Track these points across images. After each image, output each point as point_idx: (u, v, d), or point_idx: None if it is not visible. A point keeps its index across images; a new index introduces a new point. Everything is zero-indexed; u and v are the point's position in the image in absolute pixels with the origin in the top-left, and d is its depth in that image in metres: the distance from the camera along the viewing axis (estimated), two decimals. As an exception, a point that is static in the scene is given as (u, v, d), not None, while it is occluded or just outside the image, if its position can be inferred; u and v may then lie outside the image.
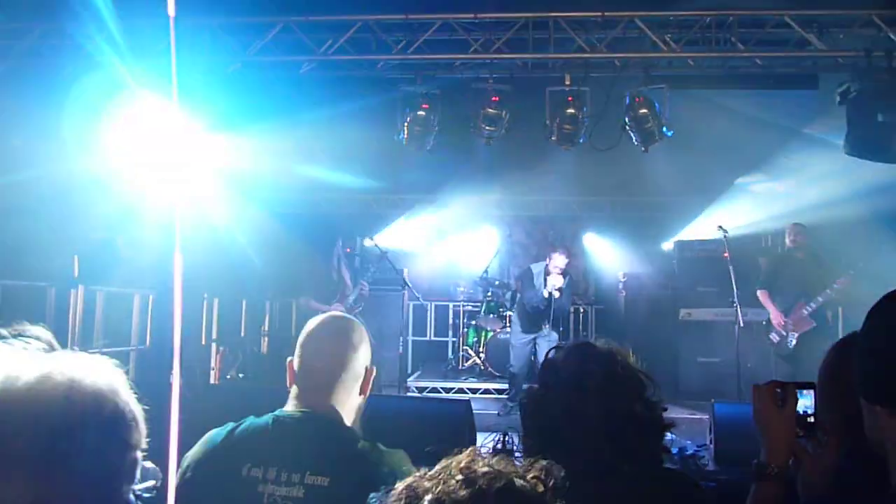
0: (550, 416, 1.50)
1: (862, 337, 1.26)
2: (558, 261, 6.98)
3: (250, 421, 1.69)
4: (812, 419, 1.53)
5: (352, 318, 1.90)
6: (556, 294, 6.92)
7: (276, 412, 1.70)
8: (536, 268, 7.30)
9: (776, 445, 1.48)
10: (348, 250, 7.96)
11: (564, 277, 7.00)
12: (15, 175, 5.38)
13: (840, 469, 1.43)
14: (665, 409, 1.56)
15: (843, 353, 1.58)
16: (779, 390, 1.52)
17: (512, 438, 5.15)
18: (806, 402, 1.53)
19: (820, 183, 8.14)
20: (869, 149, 5.28)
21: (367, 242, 8.69)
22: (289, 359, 1.80)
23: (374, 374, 1.84)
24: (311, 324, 1.82)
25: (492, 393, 8.21)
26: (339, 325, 1.84)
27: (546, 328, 7.14)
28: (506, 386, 8.10)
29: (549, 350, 1.68)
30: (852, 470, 1.37)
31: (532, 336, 7.24)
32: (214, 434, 1.68)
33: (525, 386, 1.68)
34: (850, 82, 5.29)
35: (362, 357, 1.80)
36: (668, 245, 10.55)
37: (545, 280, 7.03)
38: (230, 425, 1.69)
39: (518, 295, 7.66)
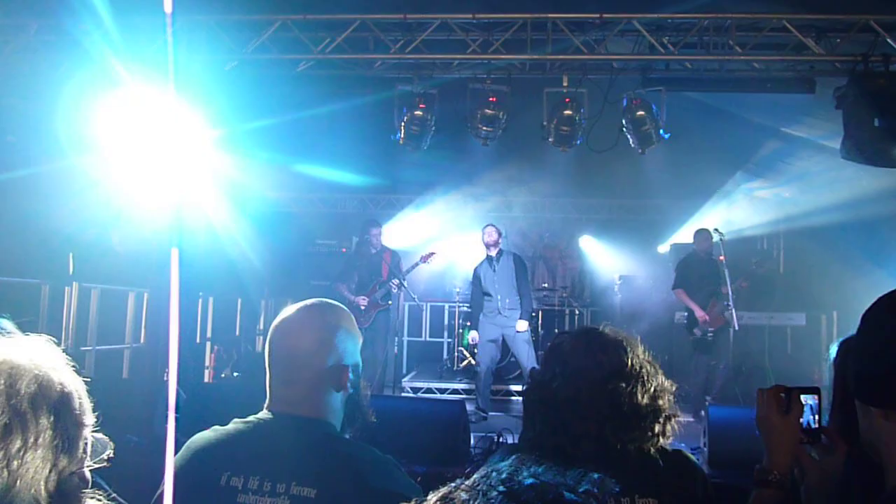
0: (556, 406, 1.47)
1: (857, 339, 1.26)
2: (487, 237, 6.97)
3: (232, 424, 1.56)
4: (817, 425, 1.48)
5: (330, 303, 1.65)
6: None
7: (258, 414, 1.57)
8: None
9: (779, 452, 1.45)
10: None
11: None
12: (9, 172, 5.36)
13: (845, 477, 1.40)
14: (671, 399, 1.54)
15: (846, 355, 1.57)
16: (783, 395, 1.48)
17: (506, 440, 5.14)
18: (810, 407, 1.48)
19: (817, 188, 8.19)
20: (865, 153, 5.29)
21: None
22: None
23: (349, 369, 1.58)
24: (282, 313, 1.62)
25: (486, 394, 8.20)
26: (307, 310, 1.60)
27: (499, 297, 6.79)
28: (501, 388, 8.07)
29: (555, 336, 1.62)
30: (856, 476, 1.35)
31: (497, 328, 6.83)
32: (197, 438, 1.55)
33: (530, 370, 1.65)
34: (847, 87, 5.30)
35: (333, 346, 1.56)
36: (663, 248, 10.58)
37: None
38: (215, 429, 1.56)
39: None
